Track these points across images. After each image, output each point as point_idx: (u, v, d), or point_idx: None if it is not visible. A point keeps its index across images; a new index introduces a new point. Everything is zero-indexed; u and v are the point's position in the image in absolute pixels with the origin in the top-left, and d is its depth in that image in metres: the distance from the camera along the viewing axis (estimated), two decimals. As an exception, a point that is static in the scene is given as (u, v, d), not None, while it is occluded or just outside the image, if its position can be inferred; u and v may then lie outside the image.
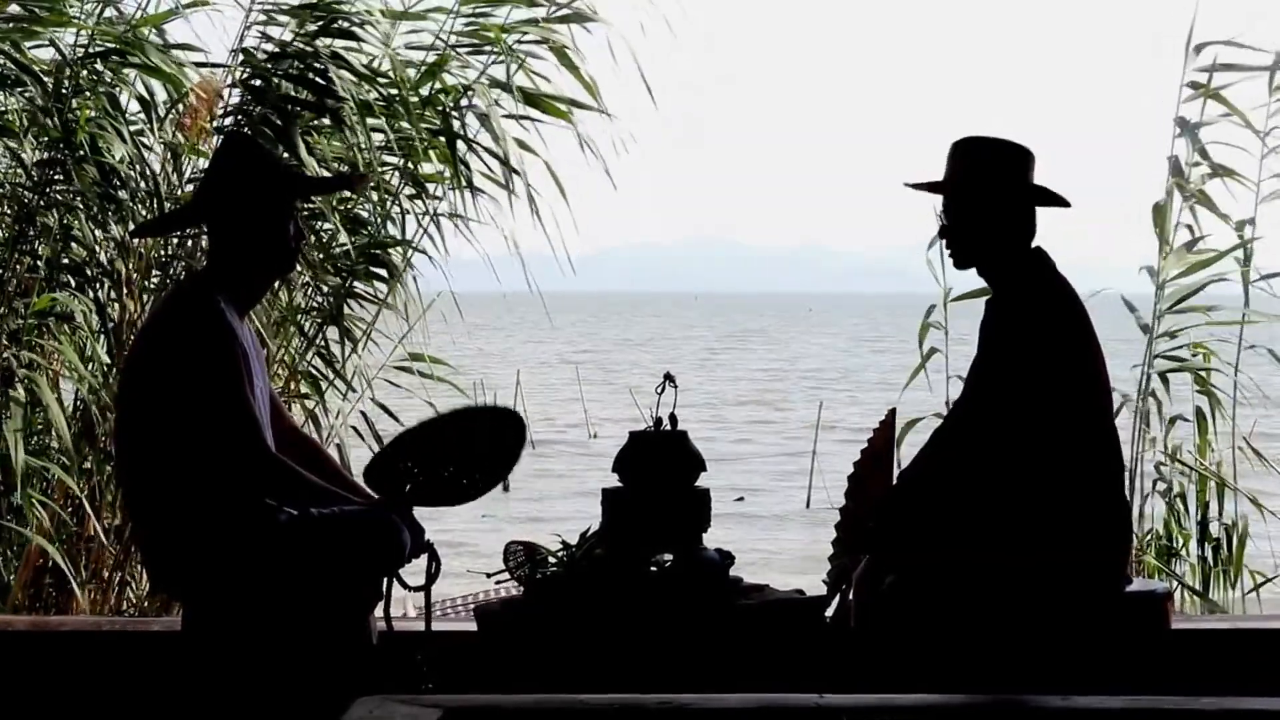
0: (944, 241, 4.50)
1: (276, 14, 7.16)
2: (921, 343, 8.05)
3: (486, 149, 7.22)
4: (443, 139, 7.14)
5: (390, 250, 7.24)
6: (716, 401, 34.13)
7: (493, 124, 7.10)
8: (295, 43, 7.06)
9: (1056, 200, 4.46)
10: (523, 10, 7.26)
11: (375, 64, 7.13)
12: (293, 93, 7.02)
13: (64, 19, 6.85)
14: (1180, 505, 7.77)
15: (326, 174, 6.82)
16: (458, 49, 7.27)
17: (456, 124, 7.19)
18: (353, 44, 7.10)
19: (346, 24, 7.09)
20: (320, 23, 7.08)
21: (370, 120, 7.04)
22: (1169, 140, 7.91)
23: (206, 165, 6.46)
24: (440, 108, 7.18)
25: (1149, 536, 7.68)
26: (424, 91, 7.20)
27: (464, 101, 7.19)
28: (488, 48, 7.28)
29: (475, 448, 4.41)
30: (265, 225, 4.31)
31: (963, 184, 4.42)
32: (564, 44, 7.22)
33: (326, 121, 7.01)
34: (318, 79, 6.94)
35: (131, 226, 6.80)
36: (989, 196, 4.40)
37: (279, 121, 6.89)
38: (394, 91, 7.08)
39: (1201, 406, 7.84)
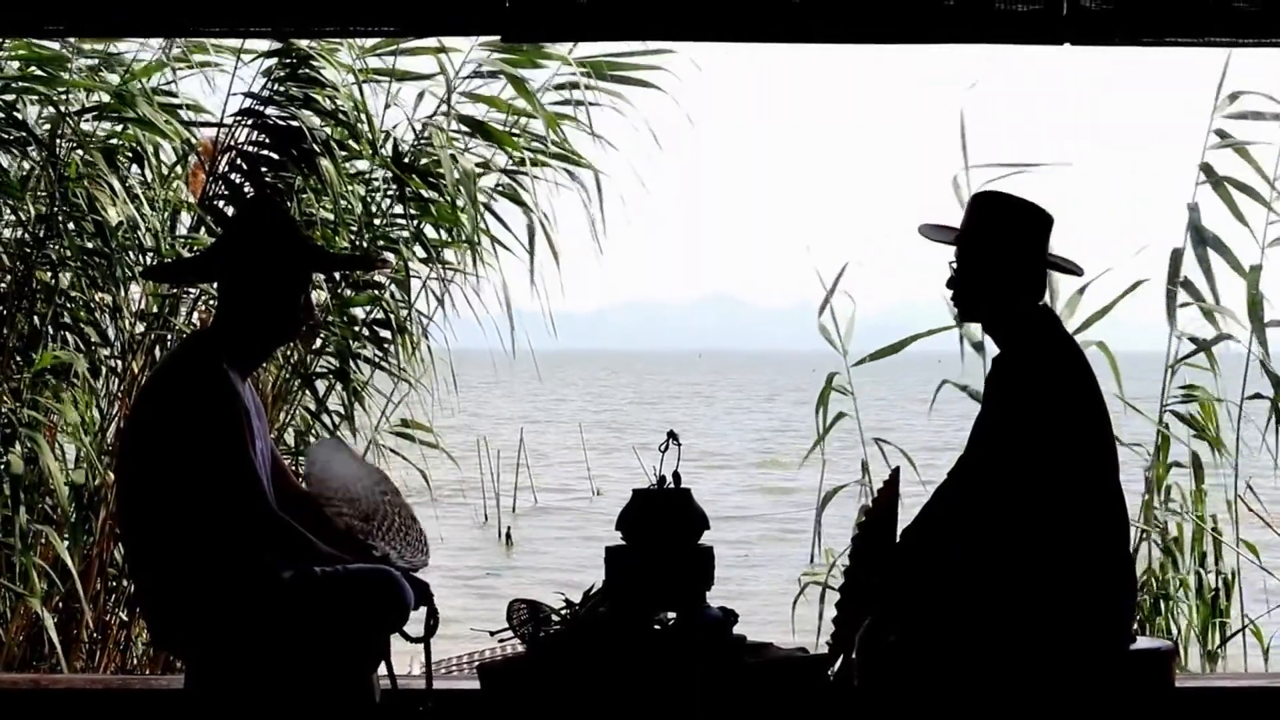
0: (950, 293, 4.51)
1: (270, 76, 7.12)
2: (821, 409, 7.84)
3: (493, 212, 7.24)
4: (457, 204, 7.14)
5: (398, 312, 7.22)
6: (720, 459, 34.07)
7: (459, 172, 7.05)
8: (283, 101, 7.06)
9: (1066, 267, 4.47)
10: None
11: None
12: (280, 156, 7.01)
13: (62, 82, 6.84)
14: (1175, 552, 7.68)
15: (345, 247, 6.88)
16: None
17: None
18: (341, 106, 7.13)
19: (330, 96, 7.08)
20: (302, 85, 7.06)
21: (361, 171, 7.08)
22: (1191, 188, 7.76)
23: (228, 223, 6.45)
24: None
25: (1144, 582, 7.56)
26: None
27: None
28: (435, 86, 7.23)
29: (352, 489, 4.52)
30: (279, 295, 4.31)
31: (971, 239, 4.44)
32: (515, 74, 7.14)
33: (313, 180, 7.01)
34: (304, 139, 6.93)
35: (128, 287, 6.79)
36: (995, 255, 4.41)
37: (273, 181, 6.91)
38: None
39: (1198, 453, 7.75)
